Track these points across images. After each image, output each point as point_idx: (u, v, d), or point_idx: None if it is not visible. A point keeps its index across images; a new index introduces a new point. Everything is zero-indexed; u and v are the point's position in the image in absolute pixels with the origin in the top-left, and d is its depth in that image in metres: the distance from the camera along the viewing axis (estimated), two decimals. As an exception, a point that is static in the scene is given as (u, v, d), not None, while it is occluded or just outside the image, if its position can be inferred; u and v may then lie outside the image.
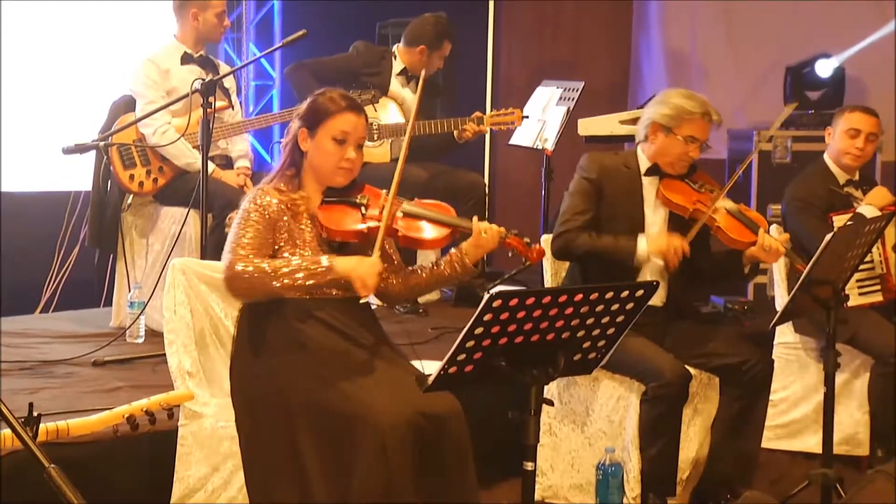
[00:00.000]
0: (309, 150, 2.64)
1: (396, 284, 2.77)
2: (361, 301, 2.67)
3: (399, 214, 2.65)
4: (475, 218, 2.68)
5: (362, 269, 2.50)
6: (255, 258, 2.51)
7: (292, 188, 2.65)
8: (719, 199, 3.18)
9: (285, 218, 2.58)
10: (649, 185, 3.28)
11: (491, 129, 4.53)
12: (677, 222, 3.24)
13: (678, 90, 3.29)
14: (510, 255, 2.70)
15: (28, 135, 4.89)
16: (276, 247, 2.59)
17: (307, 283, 2.51)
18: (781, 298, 3.67)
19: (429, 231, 2.67)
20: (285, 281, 2.49)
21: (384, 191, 2.70)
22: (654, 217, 3.27)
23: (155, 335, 3.86)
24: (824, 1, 5.76)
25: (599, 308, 2.27)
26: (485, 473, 3.19)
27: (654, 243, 3.12)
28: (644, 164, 3.29)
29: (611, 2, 6.22)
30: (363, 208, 2.63)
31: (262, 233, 2.55)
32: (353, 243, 2.64)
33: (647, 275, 3.20)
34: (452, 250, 2.72)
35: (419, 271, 2.76)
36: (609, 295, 2.27)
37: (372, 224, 2.61)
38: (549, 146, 4.55)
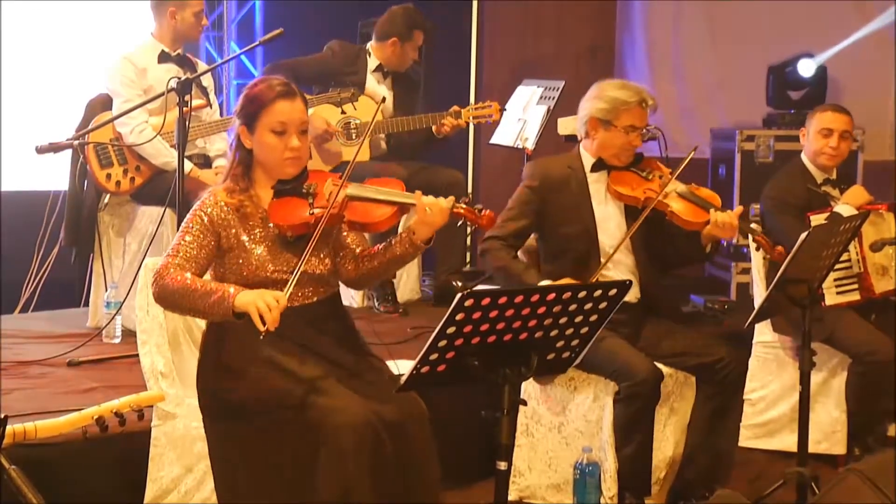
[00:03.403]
0: (253, 147, 2.58)
1: (351, 270, 2.69)
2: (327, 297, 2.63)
3: (342, 200, 2.55)
4: (418, 192, 2.60)
5: (263, 300, 2.34)
6: (184, 269, 2.44)
7: (243, 187, 2.58)
8: (668, 183, 3.15)
9: (231, 223, 2.53)
10: (597, 182, 3.27)
11: (470, 124, 4.51)
12: (634, 212, 3.23)
13: (611, 81, 3.28)
14: (459, 224, 2.63)
15: (8, 134, 4.86)
16: (224, 252, 2.53)
17: (212, 310, 2.41)
18: (759, 297, 3.67)
19: (375, 213, 2.58)
20: (199, 297, 2.40)
21: (335, 176, 2.64)
22: (608, 211, 3.27)
23: (132, 335, 3.80)
24: (806, 1, 5.78)
25: (572, 307, 2.27)
26: (463, 474, 3.20)
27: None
28: (588, 161, 3.29)
29: (594, 1, 6.23)
30: (310, 198, 2.56)
31: (200, 240, 2.50)
32: (307, 234, 2.55)
33: (617, 272, 3.20)
34: (405, 229, 2.65)
35: (376, 253, 2.68)
36: (582, 294, 2.26)
37: (318, 211, 2.54)
38: (530, 145, 4.55)
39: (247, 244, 2.54)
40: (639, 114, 3.19)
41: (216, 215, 2.53)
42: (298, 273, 2.46)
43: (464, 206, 2.58)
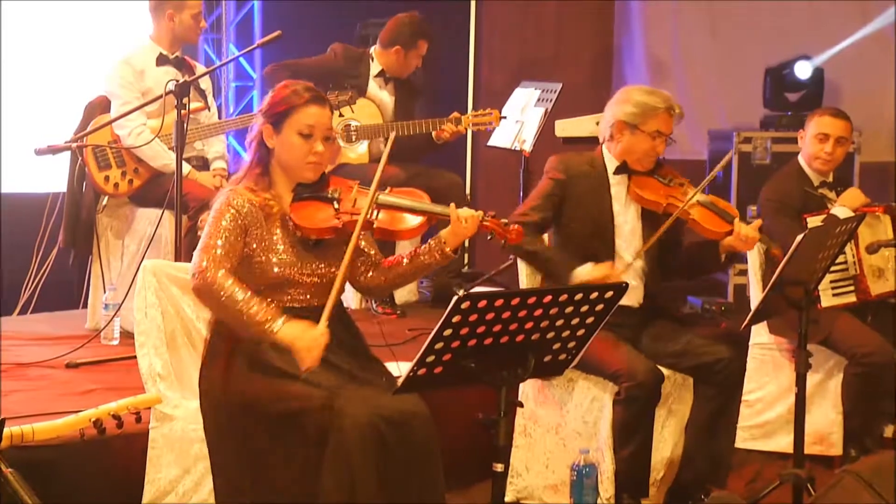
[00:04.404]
0: (275, 147, 2.61)
1: (376, 277, 2.74)
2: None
3: (373, 206, 2.61)
4: (453, 205, 2.65)
5: (306, 341, 2.42)
6: (227, 270, 2.47)
7: (262, 187, 2.61)
8: (696, 195, 3.19)
9: (258, 221, 2.56)
10: (618, 184, 3.29)
11: (469, 130, 4.52)
12: (650, 218, 3.25)
13: (638, 87, 3.33)
14: (489, 237, 2.70)
15: (7, 136, 4.86)
16: (248, 251, 2.56)
17: (251, 332, 2.46)
18: (755, 299, 3.68)
19: (405, 221, 2.64)
20: (243, 318, 2.44)
21: (356, 183, 2.68)
22: (626, 215, 3.29)
23: (130, 337, 3.79)
24: (805, 2, 5.79)
25: (569, 310, 2.27)
26: (462, 474, 3.20)
27: (590, 274, 3.11)
28: (612, 163, 3.31)
29: (593, 2, 6.23)
30: (335, 202, 2.61)
31: (233, 237, 2.52)
32: (329, 239, 2.61)
33: (626, 276, 3.21)
34: (432, 239, 2.69)
35: (401, 261, 2.71)
36: (578, 296, 2.27)
37: (346, 218, 2.59)
38: (527, 147, 4.56)
39: (268, 244, 2.56)
40: (665, 120, 3.22)
41: (245, 210, 2.55)
42: (338, 285, 2.52)
43: (490, 219, 2.66)
